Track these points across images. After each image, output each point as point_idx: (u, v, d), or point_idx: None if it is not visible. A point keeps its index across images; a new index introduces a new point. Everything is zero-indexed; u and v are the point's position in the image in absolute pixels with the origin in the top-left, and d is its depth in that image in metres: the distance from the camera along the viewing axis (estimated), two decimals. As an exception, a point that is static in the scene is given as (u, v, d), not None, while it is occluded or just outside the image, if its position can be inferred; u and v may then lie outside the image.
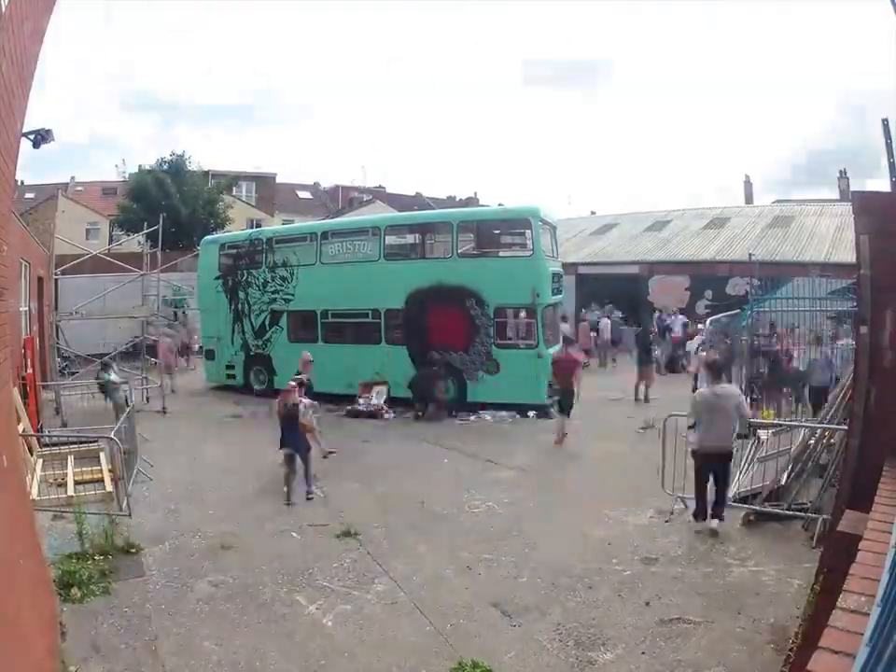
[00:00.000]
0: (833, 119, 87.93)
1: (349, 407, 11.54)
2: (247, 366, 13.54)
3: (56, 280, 15.43)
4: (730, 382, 8.08)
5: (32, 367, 10.02)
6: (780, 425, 7.98)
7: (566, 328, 14.19)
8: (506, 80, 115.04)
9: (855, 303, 4.18)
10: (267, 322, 13.24)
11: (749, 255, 11.18)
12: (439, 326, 11.33)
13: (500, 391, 10.78)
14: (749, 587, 4.88)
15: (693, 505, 6.39)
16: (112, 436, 6.73)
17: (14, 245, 5.27)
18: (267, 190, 37.35)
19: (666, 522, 6.23)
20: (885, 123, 3.78)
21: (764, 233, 21.24)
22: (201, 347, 15.46)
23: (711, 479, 6.01)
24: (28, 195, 28.16)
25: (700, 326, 13.81)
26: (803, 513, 5.88)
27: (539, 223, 11.07)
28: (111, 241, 26.85)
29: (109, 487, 7.01)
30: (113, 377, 10.32)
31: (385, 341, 11.73)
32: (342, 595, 4.92)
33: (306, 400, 7.88)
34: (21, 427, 7.08)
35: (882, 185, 4.19)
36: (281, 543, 5.93)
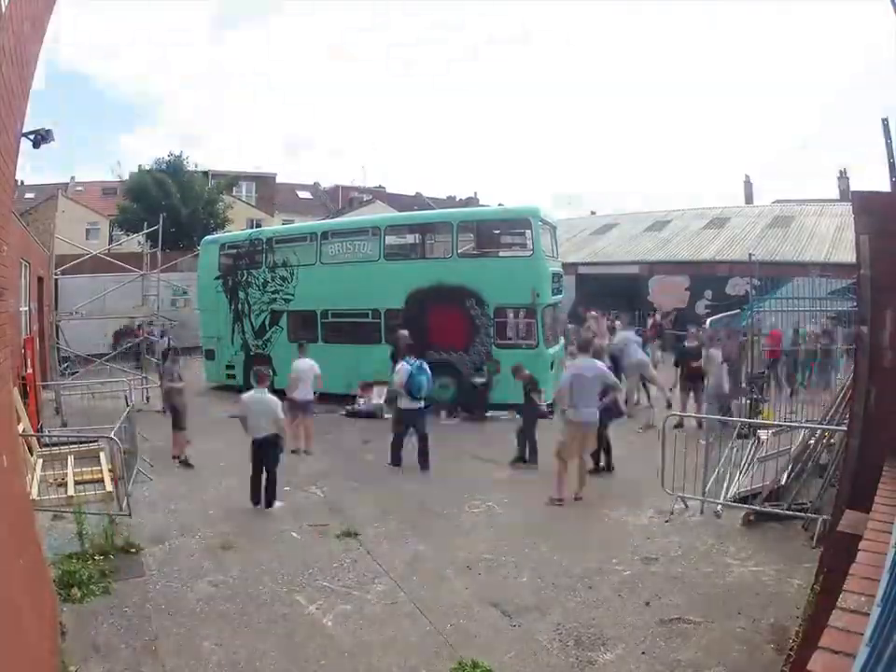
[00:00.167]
0: (833, 119, 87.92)
1: (349, 407, 11.54)
2: (247, 366, 13.50)
3: (56, 280, 15.44)
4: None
5: (32, 367, 10.02)
6: (780, 425, 7.99)
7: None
8: (506, 80, 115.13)
9: (855, 303, 4.18)
10: (267, 322, 13.24)
11: (749, 255, 11.17)
12: (439, 326, 11.33)
13: (501, 391, 10.78)
14: (749, 587, 4.88)
15: (693, 504, 6.41)
16: (112, 436, 6.73)
17: (14, 244, 5.27)
18: (267, 190, 37.34)
19: (666, 522, 6.23)
20: (885, 123, 3.77)
21: (764, 233, 21.26)
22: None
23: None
24: (28, 195, 28.18)
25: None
26: (803, 513, 5.88)
27: (539, 223, 11.07)
28: (111, 241, 26.85)
29: (109, 487, 7.01)
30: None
31: (385, 341, 11.72)
32: (342, 595, 4.92)
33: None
34: (20, 427, 7.09)
35: (880, 180, 4.18)
36: (281, 543, 5.93)
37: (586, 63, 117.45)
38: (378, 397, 11.53)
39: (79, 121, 66.60)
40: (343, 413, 11.45)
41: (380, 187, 44.39)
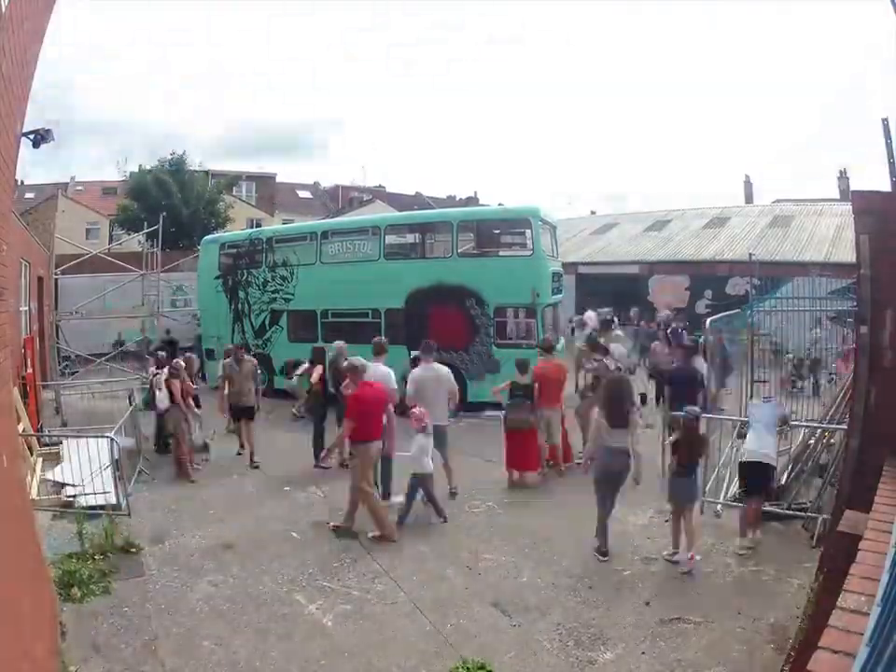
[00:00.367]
0: (833, 119, 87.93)
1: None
2: (247, 366, 13.53)
3: (56, 280, 15.44)
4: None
5: (32, 367, 10.02)
6: (780, 425, 7.97)
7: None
8: (506, 80, 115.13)
9: (855, 303, 4.18)
10: (267, 322, 13.24)
11: (749, 255, 11.17)
12: (439, 325, 11.32)
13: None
14: (749, 587, 4.88)
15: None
16: (112, 436, 6.74)
17: (14, 244, 5.27)
18: (267, 190, 37.36)
19: (666, 521, 6.21)
20: (885, 123, 3.77)
21: (764, 233, 21.26)
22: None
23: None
24: (28, 195, 28.15)
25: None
26: (803, 513, 5.88)
27: (539, 223, 11.06)
28: (111, 241, 26.84)
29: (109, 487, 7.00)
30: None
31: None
32: (342, 595, 4.92)
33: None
34: (20, 427, 7.09)
35: (880, 180, 4.17)
36: (281, 543, 5.93)
37: (586, 63, 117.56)
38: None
39: (80, 121, 66.55)
40: (344, 412, 11.42)
41: (380, 187, 44.41)
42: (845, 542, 2.64)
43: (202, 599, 4.87)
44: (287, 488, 7.51)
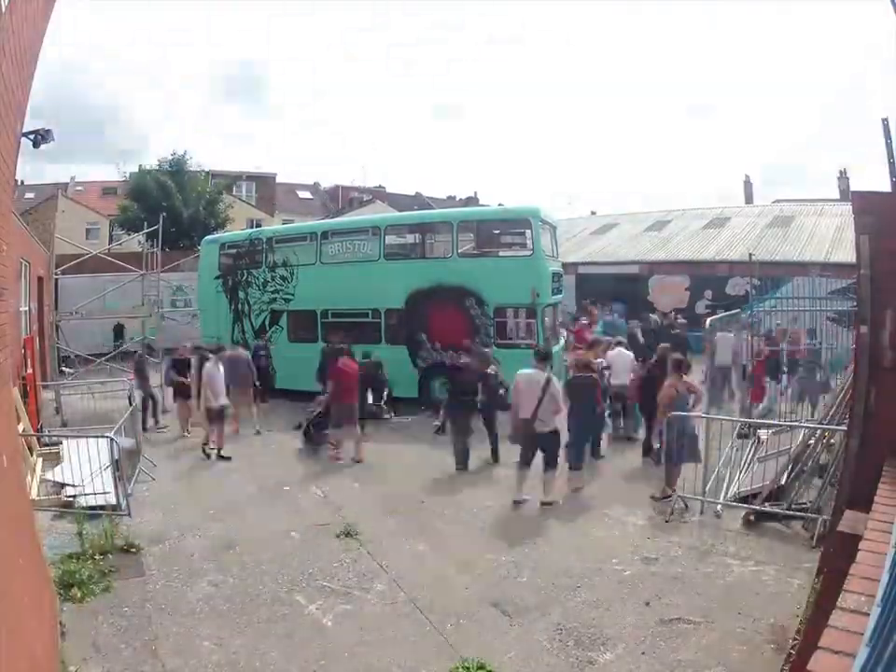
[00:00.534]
0: (833, 119, 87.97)
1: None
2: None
3: (56, 280, 15.43)
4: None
5: (32, 367, 10.02)
6: (780, 425, 7.99)
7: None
8: (506, 80, 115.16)
9: (855, 303, 4.17)
10: (267, 322, 13.24)
11: (749, 255, 11.17)
12: (439, 326, 11.33)
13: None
14: (749, 587, 4.88)
15: (693, 504, 6.42)
16: (112, 436, 6.74)
17: (14, 244, 5.26)
18: (267, 190, 37.36)
19: (666, 522, 6.23)
20: (885, 123, 3.77)
21: (764, 233, 21.24)
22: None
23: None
24: (28, 195, 28.16)
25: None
26: (803, 513, 5.88)
27: (539, 223, 11.06)
28: (111, 241, 26.85)
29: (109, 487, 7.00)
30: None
31: (385, 341, 11.72)
32: (342, 595, 4.92)
33: None
34: (20, 427, 7.09)
35: (880, 180, 4.17)
36: (281, 543, 5.93)
37: (586, 63, 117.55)
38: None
39: (79, 121, 66.57)
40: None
41: (380, 187, 44.42)
42: (845, 542, 2.64)
43: (202, 599, 4.87)
44: (287, 488, 7.52)
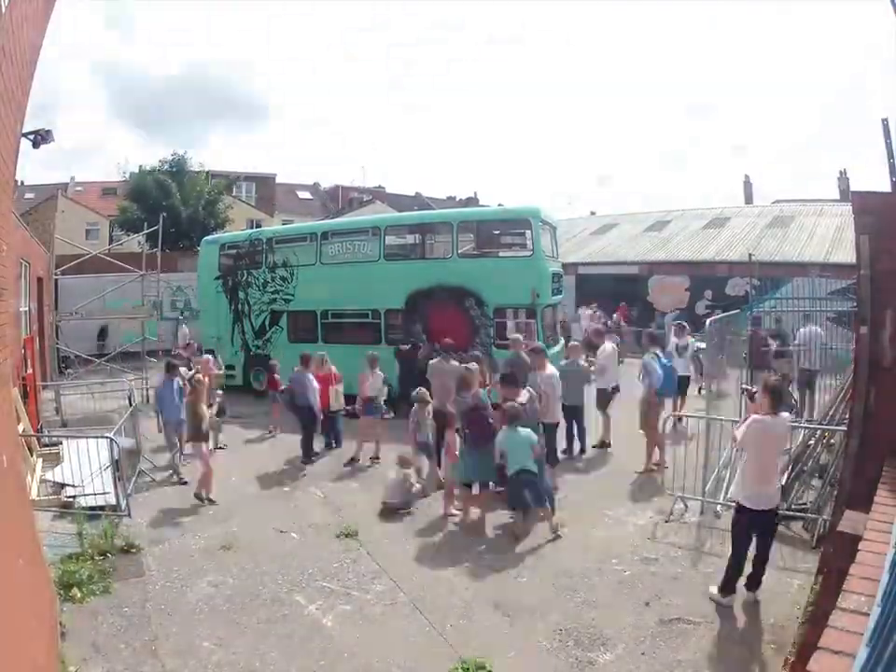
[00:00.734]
0: (833, 119, 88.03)
1: (349, 407, 11.52)
2: (247, 366, 13.53)
3: (56, 280, 15.43)
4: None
5: (32, 367, 10.02)
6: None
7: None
8: (506, 80, 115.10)
9: (855, 303, 4.17)
10: (267, 322, 13.24)
11: (749, 255, 11.18)
12: (439, 326, 11.32)
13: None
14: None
15: (693, 504, 6.41)
16: (112, 436, 6.74)
17: (14, 245, 5.27)
18: (267, 191, 37.36)
19: (666, 522, 6.23)
20: (885, 123, 3.77)
21: (764, 233, 21.25)
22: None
23: None
24: (28, 195, 28.17)
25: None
26: (803, 514, 5.88)
27: (539, 223, 11.05)
28: (111, 241, 26.85)
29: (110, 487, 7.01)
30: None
31: (385, 341, 11.72)
32: (342, 595, 4.92)
33: None
34: (20, 427, 7.08)
35: (880, 180, 4.17)
36: (281, 543, 5.93)
37: (586, 62, 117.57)
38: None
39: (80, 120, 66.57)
40: (343, 413, 11.42)
41: (380, 187, 44.43)
42: (845, 542, 2.64)
43: (202, 599, 4.87)
44: (287, 488, 7.52)
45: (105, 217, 30.10)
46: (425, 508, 6.79)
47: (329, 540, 5.96)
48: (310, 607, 4.76)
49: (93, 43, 79.83)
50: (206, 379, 8.07)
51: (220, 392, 9.45)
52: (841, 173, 27.39)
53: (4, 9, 2.86)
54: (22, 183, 27.43)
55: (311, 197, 41.41)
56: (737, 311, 11.51)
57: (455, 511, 6.56)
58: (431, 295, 11.32)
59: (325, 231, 13.15)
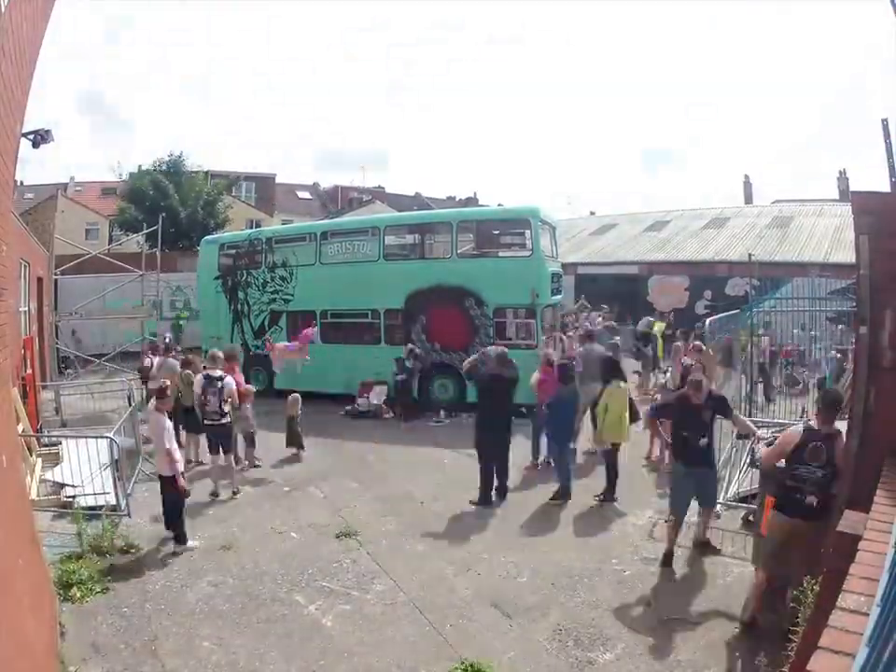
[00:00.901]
0: (833, 119, 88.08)
1: (348, 407, 11.54)
2: (247, 366, 13.51)
3: (56, 280, 15.44)
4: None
5: (31, 367, 10.01)
6: (780, 425, 7.98)
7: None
8: (506, 80, 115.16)
9: (855, 303, 4.17)
10: (266, 322, 13.24)
11: (749, 255, 11.18)
12: (438, 326, 11.33)
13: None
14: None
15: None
16: (112, 436, 6.73)
17: (14, 245, 5.27)
18: (266, 191, 37.32)
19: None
20: (884, 123, 3.77)
21: (764, 233, 21.27)
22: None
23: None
24: (28, 195, 28.13)
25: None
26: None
27: (539, 223, 11.06)
28: (111, 241, 26.82)
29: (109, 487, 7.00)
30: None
31: (384, 341, 11.73)
32: (341, 595, 4.92)
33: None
34: (20, 427, 7.08)
35: (880, 181, 4.18)
36: (281, 543, 5.93)
37: (586, 62, 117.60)
38: (377, 397, 11.55)
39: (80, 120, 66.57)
40: (343, 413, 11.45)
41: (379, 187, 44.40)
42: (845, 542, 2.64)
43: (201, 599, 4.87)
44: (287, 488, 7.51)
45: (105, 217, 30.06)
46: (425, 507, 6.79)
47: (328, 540, 5.96)
48: (310, 607, 4.76)
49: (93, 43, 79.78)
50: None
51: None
52: (841, 173, 27.45)
53: (3, 9, 2.86)
54: (22, 183, 27.39)
55: (311, 197, 41.39)
56: (737, 311, 11.52)
57: None
58: (431, 295, 11.32)
59: (324, 231, 13.16)
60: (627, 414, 7.24)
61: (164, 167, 26.82)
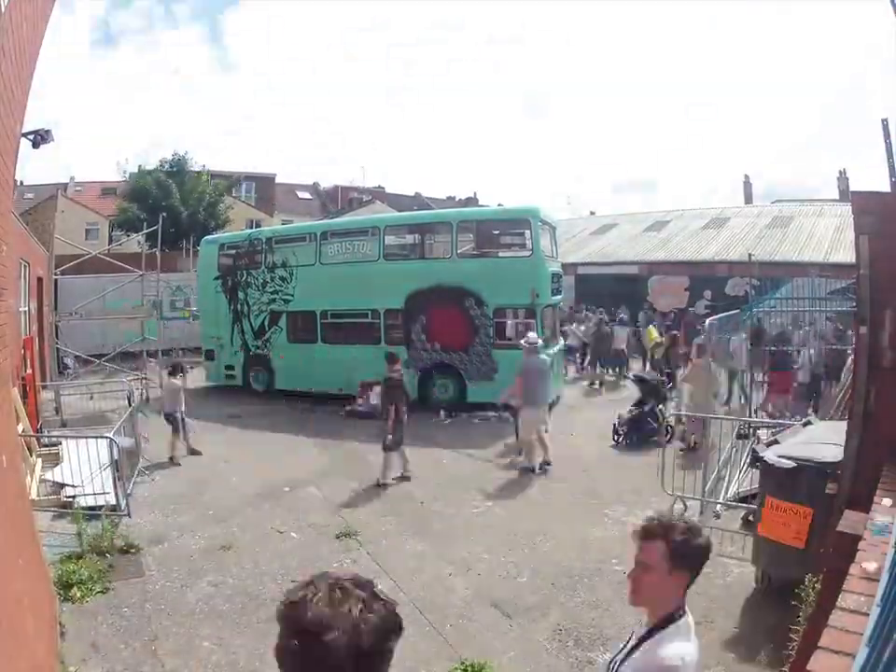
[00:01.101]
0: (833, 119, 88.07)
1: (348, 407, 11.53)
2: (247, 366, 13.53)
3: (56, 280, 15.42)
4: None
5: (31, 367, 10.01)
6: (780, 425, 7.98)
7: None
8: (506, 80, 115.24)
9: (854, 303, 4.17)
10: (266, 322, 13.24)
11: (749, 255, 11.19)
12: (438, 326, 11.33)
13: (500, 392, 10.77)
14: (749, 587, 4.88)
15: (693, 505, 6.41)
16: (112, 436, 6.73)
17: (14, 245, 5.26)
18: (266, 191, 37.32)
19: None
20: (884, 123, 3.77)
21: (763, 234, 21.27)
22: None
23: None
24: (28, 195, 28.11)
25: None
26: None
27: (539, 223, 11.06)
28: (111, 241, 26.81)
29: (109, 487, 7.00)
30: None
31: (384, 341, 11.73)
32: (341, 596, 4.90)
33: None
34: (20, 427, 7.08)
35: (880, 180, 4.17)
36: (281, 543, 5.93)
37: (586, 62, 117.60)
38: (377, 397, 11.53)
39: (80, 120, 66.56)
40: (343, 413, 11.45)
41: (379, 187, 44.38)
42: (845, 542, 2.64)
43: (201, 599, 4.87)
44: (287, 488, 7.51)
45: (105, 217, 30.06)
46: (425, 507, 6.79)
47: (328, 541, 5.95)
48: (310, 607, 4.75)
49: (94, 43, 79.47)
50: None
51: None
52: (841, 173, 27.47)
53: (3, 9, 2.86)
54: (22, 183, 27.37)
55: (311, 197, 41.38)
56: (737, 311, 11.51)
57: None
58: (431, 295, 11.32)
59: (324, 231, 13.16)
60: None
61: (168, 167, 26.83)
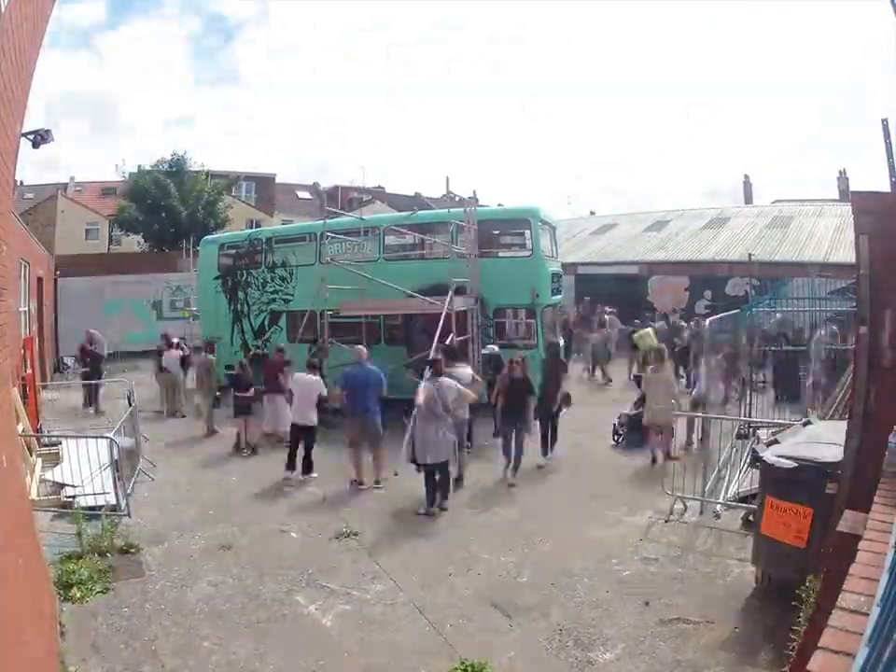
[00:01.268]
0: (833, 119, 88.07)
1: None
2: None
3: (56, 280, 15.44)
4: None
5: (31, 367, 10.01)
6: (780, 425, 7.98)
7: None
8: (506, 80, 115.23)
9: (854, 303, 4.17)
10: (266, 322, 13.23)
11: (749, 255, 11.19)
12: (438, 326, 11.30)
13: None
14: (749, 587, 4.88)
15: (693, 505, 6.42)
16: (112, 436, 6.73)
17: (14, 245, 5.26)
18: (266, 191, 37.30)
19: (666, 522, 6.23)
20: (884, 123, 3.77)
21: (763, 234, 21.24)
22: None
23: None
24: (28, 195, 28.14)
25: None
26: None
27: (539, 223, 11.06)
28: (111, 241, 26.83)
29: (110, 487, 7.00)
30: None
31: (384, 341, 11.71)
32: (341, 595, 4.92)
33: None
34: (20, 427, 7.08)
35: (880, 181, 4.18)
36: (281, 543, 5.93)
37: (586, 62, 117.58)
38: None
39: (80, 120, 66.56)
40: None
41: (379, 187, 44.37)
42: (845, 542, 2.64)
43: (201, 600, 4.87)
44: (287, 488, 7.51)
45: (105, 217, 30.05)
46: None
47: (328, 540, 5.96)
48: (310, 607, 4.76)
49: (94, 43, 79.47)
50: None
51: None
52: (841, 173, 27.47)
53: (3, 9, 2.86)
54: (22, 183, 27.40)
55: (311, 197, 41.37)
56: (737, 311, 11.51)
57: None
58: (431, 295, 11.30)
59: (324, 231, 13.14)
60: None
61: (167, 167, 26.81)
